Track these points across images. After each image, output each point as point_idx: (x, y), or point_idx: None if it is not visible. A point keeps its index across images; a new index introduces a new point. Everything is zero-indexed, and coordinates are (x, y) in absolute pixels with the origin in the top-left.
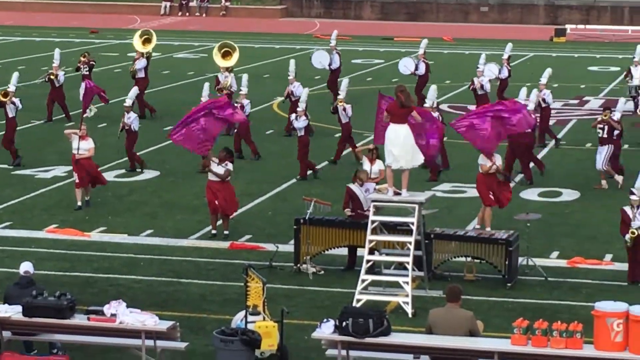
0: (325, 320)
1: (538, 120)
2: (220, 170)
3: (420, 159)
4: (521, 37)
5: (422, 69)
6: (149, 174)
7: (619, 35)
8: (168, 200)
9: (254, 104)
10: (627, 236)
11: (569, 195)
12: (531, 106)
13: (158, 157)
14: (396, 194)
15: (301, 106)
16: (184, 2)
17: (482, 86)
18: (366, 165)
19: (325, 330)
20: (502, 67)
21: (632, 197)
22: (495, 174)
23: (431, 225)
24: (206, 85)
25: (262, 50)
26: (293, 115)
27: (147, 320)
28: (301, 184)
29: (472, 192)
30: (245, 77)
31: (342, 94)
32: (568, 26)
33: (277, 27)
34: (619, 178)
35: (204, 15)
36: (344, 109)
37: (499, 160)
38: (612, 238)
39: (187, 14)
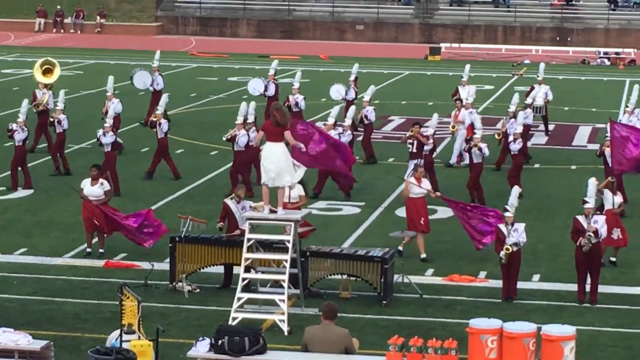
0: (200, 338)
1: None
2: (97, 191)
3: (297, 176)
4: (396, 55)
5: (271, 90)
6: (22, 192)
7: (492, 54)
8: (42, 219)
9: (129, 121)
10: (502, 253)
11: (444, 212)
12: (347, 122)
13: (32, 175)
14: (272, 211)
15: (109, 122)
16: (58, 19)
17: (297, 103)
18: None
19: (201, 348)
20: (349, 88)
21: (506, 214)
22: (425, 198)
23: (307, 243)
24: (25, 101)
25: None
26: (100, 131)
27: (21, 339)
28: (176, 201)
29: (347, 209)
30: (62, 92)
31: (160, 109)
32: (443, 45)
33: (152, 44)
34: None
35: (79, 32)
36: (160, 124)
37: (426, 184)
38: (486, 255)
39: (62, 30)
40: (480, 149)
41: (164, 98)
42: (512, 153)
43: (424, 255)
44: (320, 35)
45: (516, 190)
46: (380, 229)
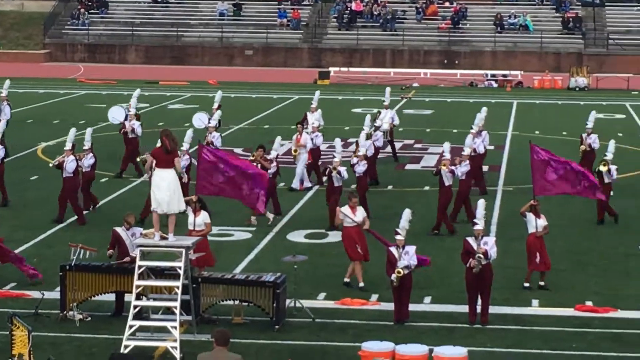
0: None
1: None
2: None
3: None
4: (286, 79)
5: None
6: None
7: (381, 77)
8: None
9: (17, 149)
10: (394, 276)
11: (334, 236)
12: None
13: None
14: (163, 238)
15: (68, 146)
16: None
17: (133, 130)
18: (190, 216)
19: None
20: (211, 115)
21: (398, 237)
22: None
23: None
24: None
25: (25, 95)
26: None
27: None
28: (66, 230)
29: (239, 235)
30: None
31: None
32: (332, 69)
33: (40, 71)
34: (270, 216)
35: None
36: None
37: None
38: (377, 278)
39: None
40: (339, 173)
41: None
42: (356, 175)
43: (361, 284)
44: (209, 60)
45: (407, 212)
46: (272, 253)
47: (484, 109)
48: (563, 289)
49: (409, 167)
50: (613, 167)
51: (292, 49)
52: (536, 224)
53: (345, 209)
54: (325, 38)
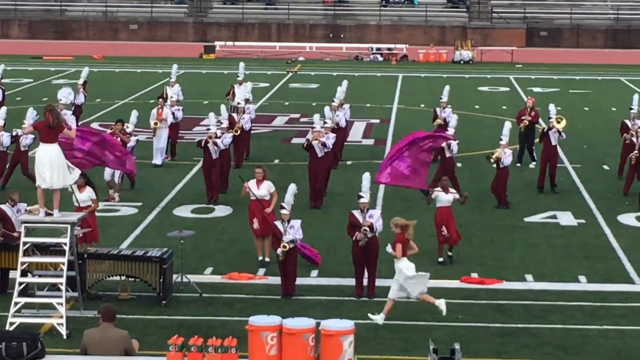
0: None
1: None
2: None
3: (72, 178)
4: (171, 54)
5: None
6: None
7: (267, 51)
8: None
9: None
10: (279, 250)
11: (221, 210)
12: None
13: None
14: (48, 214)
15: None
16: None
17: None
18: (76, 193)
19: None
20: (77, 92)
21: (283, 212)
22: (262, 200)
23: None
24: None
25: None
26: None
27: None
28: None
29: (125, 210)
30: None
31: None
32: (217, 43)
33: None
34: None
35: None
36: None
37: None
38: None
39: None
40: (215, 144)
41: None
42: (222, 149)
43: (261, 258)
44: (93, 35)
45: (292, 187)
46: (159, 229)
47: (345, 82)
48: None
49: (295, 141)
50: (454, 143)
51: (177, 24)
52: (444, 199)
53: (251, 183)
54: (211, 12)
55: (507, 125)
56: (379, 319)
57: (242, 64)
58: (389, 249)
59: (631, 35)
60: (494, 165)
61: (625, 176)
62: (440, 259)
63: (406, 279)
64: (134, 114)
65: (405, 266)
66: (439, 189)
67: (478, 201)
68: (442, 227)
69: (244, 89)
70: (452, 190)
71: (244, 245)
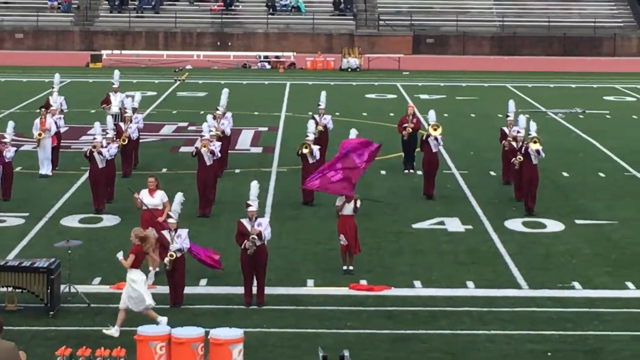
0: None
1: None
2: None
3: None
4: (57, 63)
5: None
6: None
7: (154, 60)
8: None
9: None
10: (167, 259)
11: (109, 220)
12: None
13: None
14: None
15: None
16: None
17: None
18: None
19: None
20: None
21: (170, 221)
22: (156, 210)
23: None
24: None
25: None
26: None
27: None
28: None
29: (11, 220)
30: None
31: None
32: (104, 52)
33: None
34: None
35: None
36: None
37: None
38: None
39: None
40: (100, 153)
41: None
42: (108, 158)
43: (152, 270)
44: None
45: (179, 196)
46: (46, 239)
47: (226, 90)
48: (338, 268)
49: (183, 149)
50: (315, 148)
51: (63, 32)
52: (348, 207)
53: (143, 192)
54: (97, 21)
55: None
56: (114, 331)
57: (117, 72)
58: (119, 255)
59: (516, 42)
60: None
61: (513, 182)
62: (345, 267)
63: (130, 293)
64: (10, 125)
65: (133, 278)
66: (343, 199)
67: (367, 208)
68: (340, 236)
69: (120, 97)
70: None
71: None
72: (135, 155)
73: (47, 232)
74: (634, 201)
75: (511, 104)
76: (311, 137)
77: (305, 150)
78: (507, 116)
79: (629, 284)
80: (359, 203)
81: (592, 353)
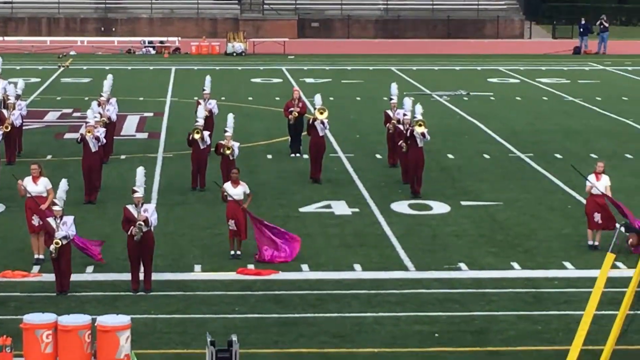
0: None
1: None
2: None
3: None
4: None
5: None
6: None
7: (38, 46)
8: None
9: None
10: (52, 247)
11: None
12: None
13: None
14: None
15: None
16: None
17: None
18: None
19: None
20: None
21: (55, 208)
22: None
23: None
24: None
25: None
26: None
27: None
28: None
29: None
30: None
31: None
32: None
33: None
34: None
35: None
36: None
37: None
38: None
39: None
40: None
41: None
42: None
43: (42, 257)
44: None
45: (63, 182)
46: None
47: (110, 76)
48: (225, 253)
49: (67, 136)
50: (206, 133)
51: None
52: (233, 192)
53: (27, 180)
54: None
55: (231, 117)
56: None
57: None
58: None
59: (400, 25)
60: None
61: (400, 165)
62: (232, 252)
63: None
64: None
65: None
66: None
67: (255, 192)
68: (229, 221)
69: (2, 83)
70: (242, 183)
71: (17, 243)
72: (19, 142)
73: None
74: (518, 182)
75: (394, 87)
76: (201, 122)
77: (196, 136)
78: (391, 99)
79: (514, 264)
80: (247, 189)
81: (478, 333)
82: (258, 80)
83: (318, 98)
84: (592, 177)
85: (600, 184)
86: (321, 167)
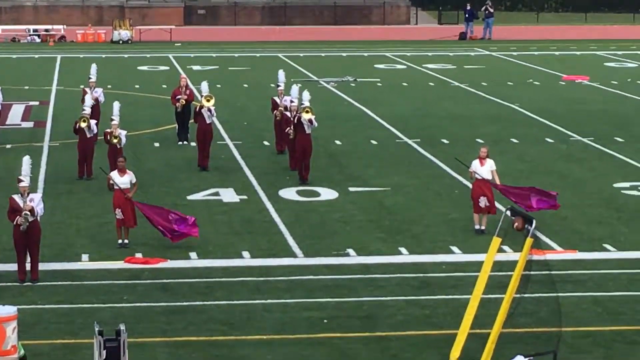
0: None
1: None
2: None
3: None
4: None
5: None
6: None
7: None
8: None
9: None
10: (21, 220)
11: None
12: None
13: None
14: None
15: None
16: None
17: None
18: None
19: None
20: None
21: (22, 185)
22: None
23: None
24: None
25: None
26: None
27: None
28: None
29: None
30: None
31: None
32: None
33: None
34: None
35: None
36: None
37: None
38: None
39: None
40: None
41: None
42: None
43: None
44: None
45: (27, 159)
46: None
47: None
48: (113, 242)
49: None
50: (93, 122)
51: None
52: (119, 181)
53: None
54: None
55: (117, 105)
56: None
57: None
58: None
59: (287, 12)
60: None
61: (288, 152)
62: (120, 241)
63: None
64: None
65: None
66: None
67: (142, 181)
68: (116, 210)
69: None
70: (128, 172)
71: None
72: None
73: None
74: (406, 167)
75: (281, 74)
76: (87, 110)
77: (83, 124)
78: (278, 86)
79: (402, 249)
80: (133, 179)
81: (367, 319)
82: (145, 68)
83: (205, 85)
84: (476, 163)
85: (485, 169)
86: (209, 155)
